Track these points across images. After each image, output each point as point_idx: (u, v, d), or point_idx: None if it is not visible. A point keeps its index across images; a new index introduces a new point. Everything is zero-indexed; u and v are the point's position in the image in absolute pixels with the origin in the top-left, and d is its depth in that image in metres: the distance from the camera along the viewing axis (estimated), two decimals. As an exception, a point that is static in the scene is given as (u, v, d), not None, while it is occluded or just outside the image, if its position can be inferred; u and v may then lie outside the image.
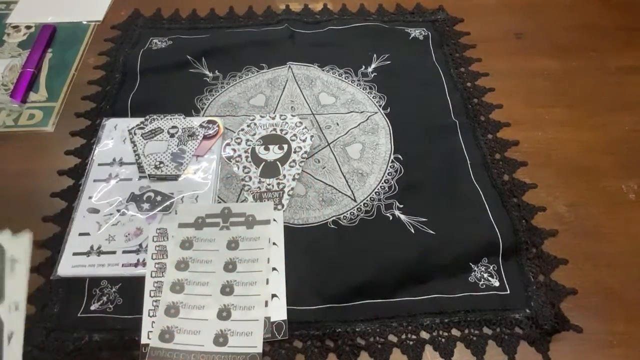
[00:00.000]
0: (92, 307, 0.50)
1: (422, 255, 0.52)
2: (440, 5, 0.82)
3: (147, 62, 0.72)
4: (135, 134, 0.62)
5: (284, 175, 0.60)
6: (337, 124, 0.65)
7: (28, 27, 0.79)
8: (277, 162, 0.61)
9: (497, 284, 0.51)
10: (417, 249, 0.53)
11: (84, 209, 0.56)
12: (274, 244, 0.53)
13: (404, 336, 0.48)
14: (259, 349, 0.46)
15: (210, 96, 0.69)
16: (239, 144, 0.63)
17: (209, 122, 0.64)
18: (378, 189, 0.59)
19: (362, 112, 0.67)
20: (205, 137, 0.63)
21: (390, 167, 0.61)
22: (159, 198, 0.57)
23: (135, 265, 0.52)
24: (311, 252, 0.53)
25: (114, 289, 0.51)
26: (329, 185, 0.59)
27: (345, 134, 0.64)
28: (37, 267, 0.52)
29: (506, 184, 0.59)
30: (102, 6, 0.82)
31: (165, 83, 0.70)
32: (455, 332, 0.49)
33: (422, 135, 0.64)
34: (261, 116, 0.66)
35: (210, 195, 0.57)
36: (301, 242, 0.54)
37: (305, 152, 0.62)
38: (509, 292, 0.51)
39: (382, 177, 0.60)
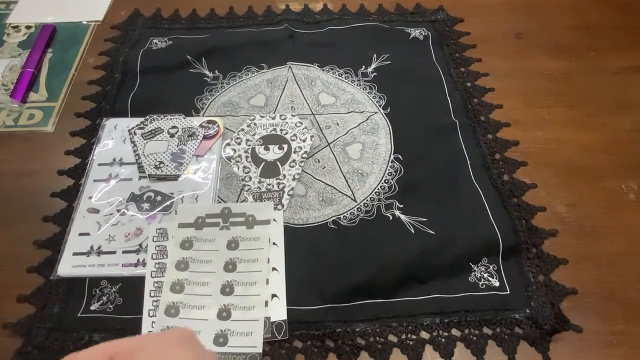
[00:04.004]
0: (92, 307, 0.50)
1: (422, 255, 0.52)
2: (440, 5, 0.82)
3: (147, 62, 0.72)
4: (135, 134, 0.62)
5: (284, 175, 0.60)
6: (337, 124, 0.65)
7: (28, 27, 0.79)
8: (277, 162, 0.61)
9: (497, 284, 0.51)
10: (417, 249, 0.53)
11: (84, 209, 0.56)
12: (274, 244, 0.53)
13: (404, 336, 0.48)
14: (259, 349, 0.46)
15: (210, 96, 0.69)
16: (239, 144, 0.63)
17: (209, 122, 0.64)
18: (378, 189, 0.59)
19: (362, 112, 0.67)
20: (205, 137, 0.63)
21: (390, 167, 0.61)
22: (159, 198, 0.57)
23: (135, 265, 0.52)
24: (311, 252, 0.53)
25: (114, 289, 0.51)
26: (329, 185, 0.59)
27: (345, 134, 0.64)
28: (37, 267, 0.52)
29: (506, 184, 0.59)
30: (102, 6, 0.82)
31: (165, 83, 0.70)
32: (455, 332, 0.49)
33: (422, 135, 0.64)
34: (261, 116, 0.66)
35: (210, 195, 0.57)
36: (301, 242, 0.54)
37: (305, 152, 0.62)
38: (509, 292, 0.51)
39: (382, 177, 0.60)
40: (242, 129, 0.64)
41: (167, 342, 0.28)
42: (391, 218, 0.56)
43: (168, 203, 0.57)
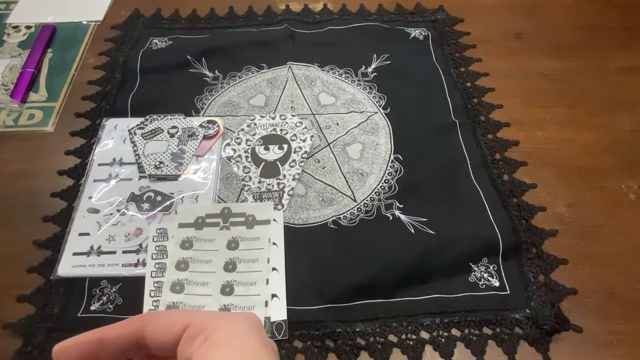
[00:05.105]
0: (92, 307, 0.50)
1: (422, 255, 0.52)
2: (440, 5, 0.82)
3: (147, 62, 0.72)
4: (135, 134, 0.62)
5: (284, 175, 0.60)
6: (337, 124, 0.65)
7: (28, 27, 0.79)
8: (277, 162, 0.61)
9: (497, 284, 0.51)
10: (417, 249, 0.53)
11: (84, 209, 0.56)
12: (274, 244, 0.53)
13: (404, 336, 0.48)
14: (259, 349, 0.46)
15: (210, 96, 0.69)
16: (239, 144, 0.63)
17: (209, 122, 0.64)
18: (378, 189, 0.59)
19: (362, 112, 0.67)
20: (205, 137, 0.63)
21: (390, 167, 0.61)
22: (159, 198, 0.57)
23: (135, 265, 0.52)
24: (311, 252, 0.53)
25: (114, 289, 0.51)
26: (329, 185, 0.59)
27: (345, 134, 0.64)
28: (37, 267, 0.52)
29: (506, 184, 0.59)
30: (102, 6, 0.82)
31: (165, 83, 0.70)
32: (455, 332, 0.49)
33: (422, 135, 0.64)
34: (261, 116, 0.66)
35: (210, 195, 0.57)
36: (301, 242, 0.54)
37: (305, 152, 0.62)
38: (509, 292, 0.51)
39: (382, 177, 0.60)
40: (242, 129, 0.64)
41: (238, 326, 0.28)
42: (391, 218, 0.56)
43: (168, 203, 0.57)
